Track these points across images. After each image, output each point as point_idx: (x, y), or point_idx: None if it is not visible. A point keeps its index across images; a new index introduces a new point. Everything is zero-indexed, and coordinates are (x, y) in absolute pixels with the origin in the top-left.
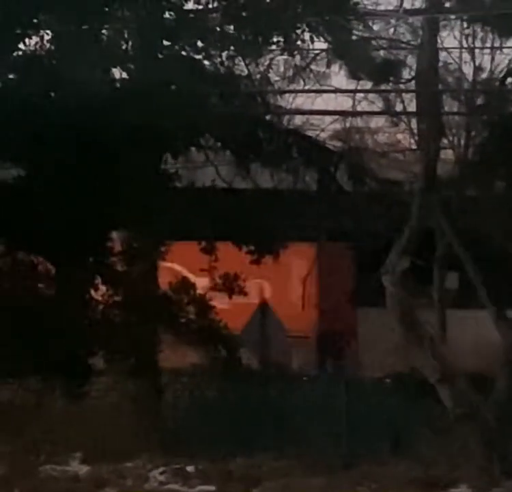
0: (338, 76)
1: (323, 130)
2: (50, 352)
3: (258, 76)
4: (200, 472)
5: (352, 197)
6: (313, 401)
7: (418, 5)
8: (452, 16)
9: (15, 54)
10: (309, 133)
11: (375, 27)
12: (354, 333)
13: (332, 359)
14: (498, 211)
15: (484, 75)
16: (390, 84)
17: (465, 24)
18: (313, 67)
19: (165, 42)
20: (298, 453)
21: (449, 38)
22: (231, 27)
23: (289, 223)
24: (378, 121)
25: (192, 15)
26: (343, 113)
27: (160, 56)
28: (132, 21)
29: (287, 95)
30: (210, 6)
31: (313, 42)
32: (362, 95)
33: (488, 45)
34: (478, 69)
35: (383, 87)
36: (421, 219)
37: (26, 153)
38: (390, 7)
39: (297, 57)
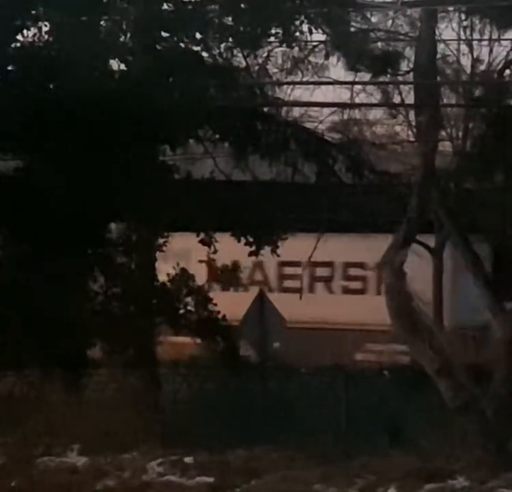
0: (337, 68)
1: (321, 122)
2: (49, 344)
3: (256, 67)
4: (198, 464)
5: (351, 189)
6: (312, 392)
7: None
8: (451, 8)
9: (13, 46)
10: (307, 125)
11: (374, 19)
12: None
13: None
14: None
15: (482, 67)
16: (388, 76)
17: (463, 16)
18: (311, 59)
19: (163, 34)
20: (297, 445)
21: (447, 30)
22: (230, 19)
23: (287, 215)
24: (376, 113)
25: (190, 6)
26: (341, 105)
27: (158, 47)
28: (130, 12)
29: (285, 87)
30: None
31: (311, 33)
32: (360, 87)
33: (486, 37)
34: (476, 61)
35: (381, 78)
36: (419, 210)
37: (26, 145)
38: None
39: (296, 49)
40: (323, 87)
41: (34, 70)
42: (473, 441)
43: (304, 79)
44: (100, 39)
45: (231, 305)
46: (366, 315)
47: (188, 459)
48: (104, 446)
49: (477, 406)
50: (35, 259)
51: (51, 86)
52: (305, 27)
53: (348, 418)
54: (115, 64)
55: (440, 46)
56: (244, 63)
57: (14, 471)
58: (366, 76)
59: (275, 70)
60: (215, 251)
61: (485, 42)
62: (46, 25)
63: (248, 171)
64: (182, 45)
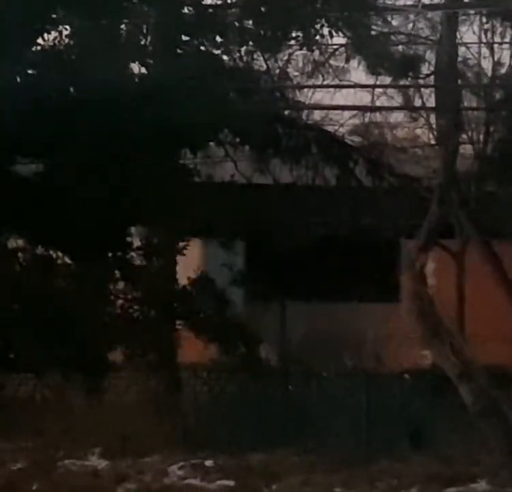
0: (357, 71)
1: (342, 125)
2: (70, 347)
3: (277, 71)
4: (219, 467)
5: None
6: (332, 396)
7: (436, 0)
8: (471, 11)
9: (34, 49)
10: (328, 128)
11: (394, 22)
12: None
13: None
14: None
15: (503, 70)
16: (409, 79)
17: (484, 19)
18: (331, 62)
19: (184, 37)
20: (318, 448)
21: (468, 33)
22: (250, 22)
23: (308, 218)
24: (397, 117)
25: (211, 10)
26: (362, 108)
27: (178, 51)
28: (150, 16)
29: (306, 90)
30: (229, 1)
31: (332, 37)
32: (381, 90)
33: (507, 40)
34: (497, 64)
35: (402, 82)
36: (440, 214)
37: (46, 148)
38: (409, 2)
39: (317, 52)
40: (344, 90)
41: (54, 74)
42: (494, 445)
43: (325, 82)
44: (121, 42)
45: None
46: None
47: (208, 462)
48: (125, 449)
49: (498, 410)
50: (56, 262)
51: (71, 89)
52: (326, 30)
53: (369, 422)
54: (135, 67)
55: (461, 49)
56: (264, 67)
57: (36, 474)
58: (387, 80)
59: (296, 74)
60: None
61: (506, 45)
62: (66, 29)
63: (269, 174)
64: (203, 48)
